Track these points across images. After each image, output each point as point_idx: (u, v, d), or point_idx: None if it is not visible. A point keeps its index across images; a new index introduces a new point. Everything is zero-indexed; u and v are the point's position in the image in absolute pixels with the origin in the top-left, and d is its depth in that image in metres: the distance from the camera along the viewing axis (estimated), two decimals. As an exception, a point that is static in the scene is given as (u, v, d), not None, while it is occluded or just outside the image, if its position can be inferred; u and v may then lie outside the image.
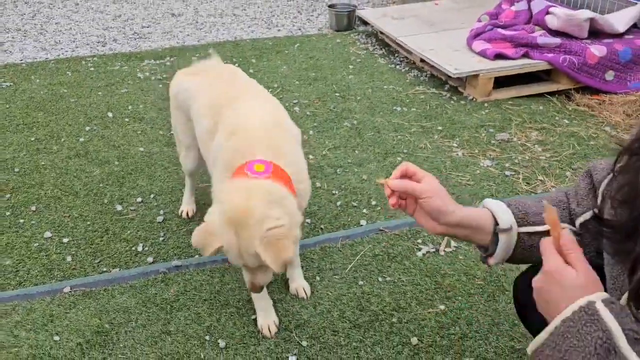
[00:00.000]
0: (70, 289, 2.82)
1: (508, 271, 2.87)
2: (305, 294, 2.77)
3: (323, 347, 2.50)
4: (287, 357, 2.44)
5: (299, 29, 6.75)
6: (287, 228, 1.98)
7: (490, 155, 3.96)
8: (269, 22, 7.01)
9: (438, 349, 2.46)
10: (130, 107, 4.80)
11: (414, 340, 2.50)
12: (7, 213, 3.43)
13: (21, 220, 3.36)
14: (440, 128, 4.33)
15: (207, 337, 2.53)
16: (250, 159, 2.15)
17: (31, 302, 2.74)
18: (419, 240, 3.12)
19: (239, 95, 2.53)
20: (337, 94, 4.94)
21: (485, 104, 4.69)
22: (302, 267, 2.90)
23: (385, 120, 4.46)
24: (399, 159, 3.93)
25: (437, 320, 2.61)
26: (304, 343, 2.52)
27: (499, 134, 4.19)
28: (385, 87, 5.07)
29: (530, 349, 1.19)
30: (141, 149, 4.14)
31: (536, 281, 1.19)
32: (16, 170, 3.87)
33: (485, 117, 4.47)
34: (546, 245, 1.19)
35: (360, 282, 2.85)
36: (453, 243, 3.09)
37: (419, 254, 3.02)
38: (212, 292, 2.79)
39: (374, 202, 3.47)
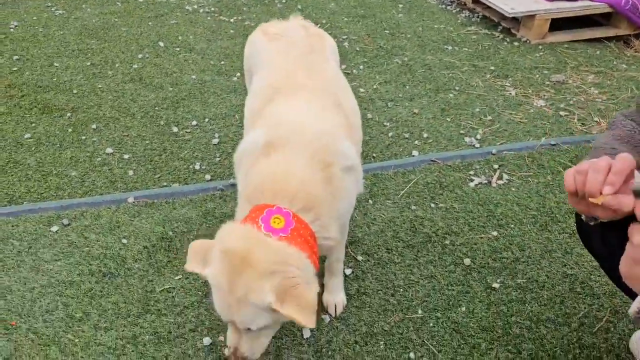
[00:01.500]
0: (134, 199, 2.95)
1: (561, 204, 2.89)
2: (335, 311, 2.33)
3: (377, 263, 2.58)
4: (344, 269, 2.53)
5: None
6: (301, 278, 1.60)
7: (544, 95, 3.90)
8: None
9: (490, 270, 2.52)
10: (180, 38, 4.84)
11: (467, 261, 2.56)
12: (70, 130, 3.55)
13: (83, 137, 3.48)
14: (492, 68, 4.26)
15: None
16: (272, 201, 1.72)
17: (98, 210, 2.88)
18: (471, 172, 3.15)
19: (300, 86, 2.08)
20: (386, 32, 4.88)
21: (540, 47, 4.59)
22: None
23: (436, 59, 4.41)
24: (450, 95, 3.91)
25: (489, 244, 2.66)
26: (359, 258, 2.60)
27: (553, 76, 4.11)
28: (435, 26, 4.98)
29: (631, 311, 1.20)
30: (193, 76, 4.20)
31: (624, 264, 1.18)
32: (74, 92, 3.98)
33: (539, 60, 4.38)
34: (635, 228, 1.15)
35: (413, 207, 2.90)
36: (505, 176, 3.11)
37: (471, 184, 3.05)
38: (269, 209, 2.89)
39: (425, 135, 3.49)
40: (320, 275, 2.51)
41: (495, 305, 2.35)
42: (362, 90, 3.97)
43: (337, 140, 1.91)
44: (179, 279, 2.49)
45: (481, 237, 2.70)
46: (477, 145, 3.38)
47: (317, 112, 1.98)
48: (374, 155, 3.33)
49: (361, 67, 4.30)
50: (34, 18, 5.12)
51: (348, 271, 2.53)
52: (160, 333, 2.24)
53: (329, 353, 2.18)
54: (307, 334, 2.25)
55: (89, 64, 4.37)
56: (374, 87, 4.03)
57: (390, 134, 3.50)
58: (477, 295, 2.40)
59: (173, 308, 2.35)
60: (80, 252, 2.61)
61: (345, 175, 1.89)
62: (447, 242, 2.68)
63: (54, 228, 2.75)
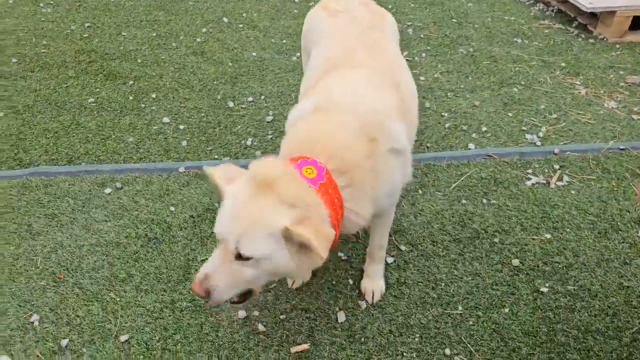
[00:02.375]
0: (185, 169, 2.99)
1: (625, 212, 2.71)
2: (373, 298, 2.28)
3: (421, 254, 2.51)
4: (385, 258, 2.47)
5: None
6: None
7: (617, 97, 3.66)
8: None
9: (539, 274, 2.40)
10: (244, 15, 4.86)
11: (515, 261, 2.45)
12: (130, 97, 3.65)
13: (142, 105, 3.57)
14: (563, 64, 4.04)
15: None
16: (309, 154, 1.70)
17: (150, 176, 2.95)
18: (529, 170, 3.00)
19: (359, 63, 2.02)
20: (453, 20, 4.72)
21: (617, 45, 4.31)
22: (406, 178, 2.88)
23: (503, 51, 4.22)
24: (515, 89, 3.74)
25: (541, 247, 2.53)
26: (403, 247, 2.54)
27: (629, 77, 3.85)
28: (506, 17, 4.77)
29: None
30: (254, 53, 4.21)
31: None
32: (139, 61, 4.08)
33: (615, 59, 4.12)
34: None
35: (464, 201, 2.80)
36: (566, 177, 2.94)
37: (528, 183, 2.91)
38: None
39: (484, 128, 3.35)
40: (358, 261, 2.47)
41: (541, 310, 2.24)
42: (422, 78, 3.86)
43: (389, 120, 1.85)
44: (221, 250, 2.51)
45: (533, 239, 2.57)
46: (539, 143, 3.22)
47: (373, 89, 1.92)
48: (428, 145, 3.24)
49: (423, 54, 4.18)
50: (108, -12, 5.28)
51: (390, 260, 2.47)
52: (198, 301, 2.27)
53: (362, 339, 2.14)
54: (341, 317, 2.23)
55: (154, 35, 4.46)
56: (435, 76, 3.91)
57: (447, 125, 3.39)
58: (523, 298, 2.29)
59: (212, 278, 2.38)
60: (129, 215, 2.68)
61: (391, 157, 1.83)
62: (496, 240, 2.57)
63: (107, 190, 2.84)
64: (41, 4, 4.91)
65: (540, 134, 3.29)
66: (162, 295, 2.30)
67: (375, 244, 2.26)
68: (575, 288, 2.33)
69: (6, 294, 2.30)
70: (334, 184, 1.67)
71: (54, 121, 3.40)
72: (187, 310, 2.24)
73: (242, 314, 2.23)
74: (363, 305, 2.28)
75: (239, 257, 1.53)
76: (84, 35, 4.41)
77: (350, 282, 2.39)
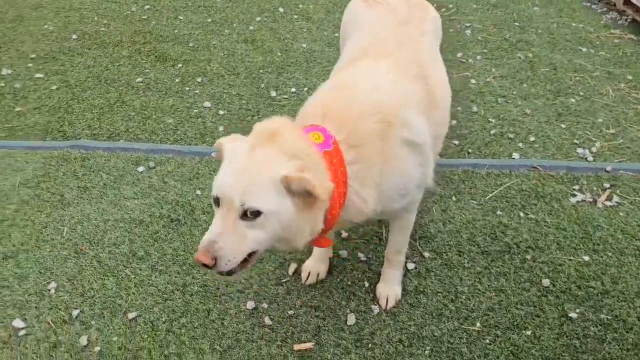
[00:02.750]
0: (217, 154, 2.99)
1: (678, 241, 2.47)
2: (387, 304, 2.17)
3: (445, 263, 2.39)
4: (406, 263, 2.37)
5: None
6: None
7: (686, 116, 3.36)
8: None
9: (571, 298, 2.22)
10: (300, 6, 4.83)
11: (546, 282, 2.28)
12: (177, 80, 3.70)
13: (187, 88, 3.61)
14: (629, 77, 3.75)
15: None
16: (319, 123, 1.66)
17: (183, 158, 2.97)
18: (576, 187, 2.80)
19: (386, 54, 1.94)
20: (515, 24, 4.49)
21: (696, 61, 3.96)
22: (439, 184, 2.76)
23: (565, 59, 3.97)
24: (572, 100, 3.50)
25: (577, 269, 2.34)
26: (426, 254, 2.43)
27: None
28: (573, 24, 4.49)
29: None
30: (304, 45, 4.17)
31: None
32: (190, 45, 4.14)
33: (691, 75, 3.78)
34: None
35: (499, 213, 2.65)
36: (615, 197, 2.72)
37: (572, 200, 2.71)
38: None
39: (532, 138, 3.16)
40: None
41: (567, 336, 2.07)
42: (473, 81, 3.69)
43: (405, 109, 1.77)
44: (240, 238, 2.49)
45: (569, 259, 2.39)
46: (590, 158, 3.00)
47: (395, 79, 1.84)
48: (470, 150, 3.09)
49: (478, 57, 4.00)
50: (172, -27, 5.38)
51: (411, 266, 2.37)
52: (209, 287, 2.26)
53: (369, 345, 2.06)
54: (351, 320, 2.15)
55: (209, 20, 4.51)
56: (487, 80, 3.73)
57: (492, 132, 3.22)
58: (548, 322, 2.13)
59: (227, 265, 2.36)
60: (157, 194, 2.71)
61: (404, 147, 1.74)
62: (528, 257, 2.41)
63: (140, 168, 2.88)
64: (107, -15, 5.08)
65: (594, 149, 3.06)
66: (176, 277, 2.30)
67: (392, 248, 2.16)
68: (609, 317, 2.14)
69: (30, 260, 2.38)
70: (340, 154, 1.61)
71: (101, 97, 3.50)
72: (197, 295, 2.23)
73: (250, 304, 2.19)
74: (375, 310, 2.19)
75: (244, 215, 1.46)
76: (143, 17, 4.52)
77: (366, 284, 2.30)
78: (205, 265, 1.46)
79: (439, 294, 2.26)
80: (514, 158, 3.03)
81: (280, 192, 1.47)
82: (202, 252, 1.45)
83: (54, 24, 4.38)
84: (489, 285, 2.29)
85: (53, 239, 2.48)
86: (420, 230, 2.54)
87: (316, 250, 2.32)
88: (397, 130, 1.70)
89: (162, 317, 2.14)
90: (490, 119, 3.33)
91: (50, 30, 4.27)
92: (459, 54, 4.01)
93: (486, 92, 3.60)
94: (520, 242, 2.49)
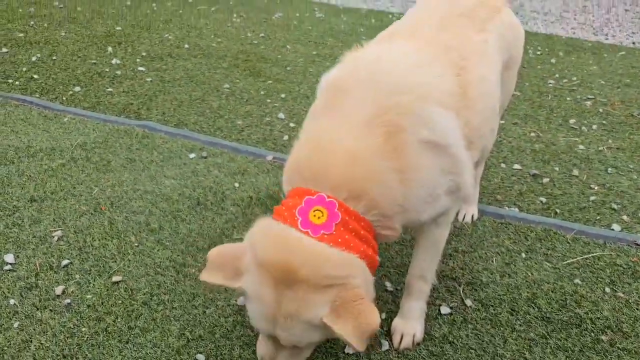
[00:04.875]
0: (273, 158, 2.81)
1: None
2: (400, 343, 1.77)
3: (490, 318, 1.91)
4: (440, 305, 1.93)
5: (633, 42, 5.68)
6: (362, 288, 1.31)
7: None
8: (598, 29, 6.10)
9: (654, 401, 1.62)
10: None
11: (621, 371, 1.71)
12: (262, 92, 3.66)
13: (268, 100, 3.54)
14: None
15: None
16: (314, 186, 1.35)
17: (236, 155, 2.82)
18: (690, 276, 2.17)
19: (418, 35, 1.64)
20: (649, 104, 3.93)
21: None
22: (510, 237, 2.31)
23: None
24: None
25: (671, 369, 1.74)
26: (469, 303, 1.96)
27: None
28: None
29: None
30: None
31: None
32: (287, 68, 4.14)
33: None
34: None
35: (577, 281, 2.11)
36: None
37: (682, 289, 2.10)
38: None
39: (642, 214, 2.58)
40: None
41: None
42: (581, 147, 3.20)
43: (423, 103, 1.40)
44: (261, 236, 2.23)
45: (662, 356, 1.79)
46: None
47: (418, 61, 1.50)
48: (558, 211, 2.58)
49: (594, 126, 3.49)
50: (297, 14, 5.59)
51: (445, 309, 1.92)
52: (207, 273, 1.99)
53: (362, 382, 1.63)
54: (350, 349, 1.74)
55: (314, 52, 4.52)
56: (599, 148, 3.21)
57: (592, 198, 2.69)
58: (612, 420, 1.55)
59: (235, 258, 2.09)
60: (195, 179, 2.56)
61: (423, 151, 1.38)
62: (604, 338, 1.84)
63: (192, 155, 2.78)
64: (234, 15, 5.37)
65: None
66: (177, 255, 2.08)
67: (415, 271, 1.75)
68: None
69: (51, 207, 2.30)
70: (353, 214, 1.33)
71: (186, 94, 3.54)
72: (190, 278, 1.97)
73: (242, 300, 1.88)
74: (385, 345, 1.77)
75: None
76: (254, 42, 4.66)
77: (383, 315, 1.89)
78: None
79: (471, 350, 1.78)
80: (612, 229, 2.47)
81: (322, 327, 1.30)
82: None
83: (174, 34, 4.65)
84: (541, 357, 1.76)
85: (81, 195, 2.40)
86: (469, 275, 2.08)
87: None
88: (410, 132, 1.36)
89: (144, 289, 1.90)
90: (592, 186, 2.81)
91: (168, 39, 4.53)
92: (572, 121, 3.54)
93: (595, 159, 3.08)
94: (598, 319, 1.93)
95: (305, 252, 1.27)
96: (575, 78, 4.39)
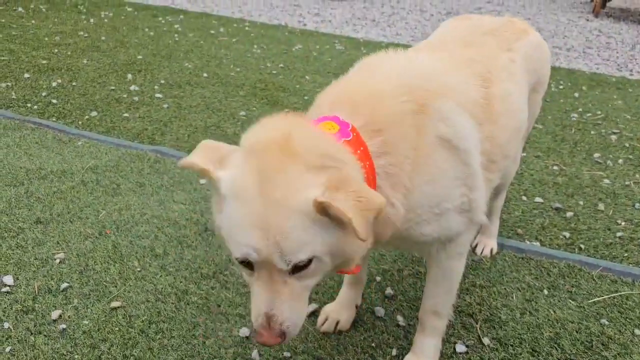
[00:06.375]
0: (285, 186, 2.74)
1: None
2: None
3: (509, 357, 1.77)
4: (455, 343, 1.80)
5: (659, 78, 5.56)
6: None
7: None
8: (622, 65, 5.99)
9: None
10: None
11: (655, 423, 1.55)
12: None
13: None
14: None
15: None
16: (327, 113, 1.28)
17: (248, 182, 2.76)
18: None
19: (443, 48, 1.64)
20: (678, 140, 3.78)
21: None
22: (531, 273, 2.18)
23: None
24: None
25: None
26: (486, 341, 1.83)
27: None
28: None
29: None
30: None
31: None
32: (305, 97, 4.11)
33: None
34: None
35: (604, 321, 1.97)
36: None
37: None
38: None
39: (674, 253, 2.43)
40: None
41: None
42: (606, 181, 3.07)
43: (446, 101, 1.34)
44: (268, 265, 2.14)
45: (701, 407, 1.63)
46: None
47: (442, 68, 1.45)
48: (582, 246, 2.45)
49: (620, 161, 3.36)
50: (317, 46, 5.61)
51: (461, 348, 1.80)
52: (209, 302, 1.91)
53: None
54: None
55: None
56: (626, 183, 3.07)
57: (618, 234, 2.55)
58: None
59: (239, 288, 2.00)
60: (204, 204, 2.50)
61: (440, 149, 1.30)
62: (635, 384, 1.69)
63: (203, 181, 2.73)
64: (255, 46, 5.41)
65: None
66: (180, 282, 2.00)
67: (428, 306, 1.63)
68: None
69: (56, 230, 2.26)
70: (363, 144, 1.20)
71: (201, 120, 3.52)
72: (192, 305, 1.89)
73: (244, 332, 1.78)
74: (394, 384, 1.65)
75: (295, 270, 1.10)
76: (273, 72, 4.66)
77: (394, 352, 1.77)
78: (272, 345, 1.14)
79: (489, 393, 1.65)
80: (641, 267, 2.32)
81: (320, 222, 1.07)
82: (266, 333, 1.11)
83: (193, 63, 4.69)
84: (564, 403, 1.62)
85: (87, 218, 2.35)
86: (487, 311, 1.96)
87: (342, 294, 1.87)
88: (431, 121, 1.28)
89: (143, 316, 1.82)
90: (619, 221, 2.67)
91: (187, 68, 4.57)
92: (597, 154, 3.42)
93: (621, 194, 2.94)
94: (627, 362, 1.78)
95: (302, 129, 1.16)
96: (599, 112, 4.27)
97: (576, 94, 4.69)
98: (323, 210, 1.04)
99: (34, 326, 1.76)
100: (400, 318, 1.92)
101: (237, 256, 1.10)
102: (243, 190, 1.08)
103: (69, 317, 1.81)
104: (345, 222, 1.03)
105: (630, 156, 3.47)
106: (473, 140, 1.37)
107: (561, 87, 4.92)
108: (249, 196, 1.07)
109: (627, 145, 3.65)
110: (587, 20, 7.99)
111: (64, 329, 1.75)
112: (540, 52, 1.91)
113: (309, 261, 1.08)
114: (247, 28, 6.01)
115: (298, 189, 1.06)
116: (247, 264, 1.11)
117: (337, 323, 1.82)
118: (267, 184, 1.06)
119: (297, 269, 1.09)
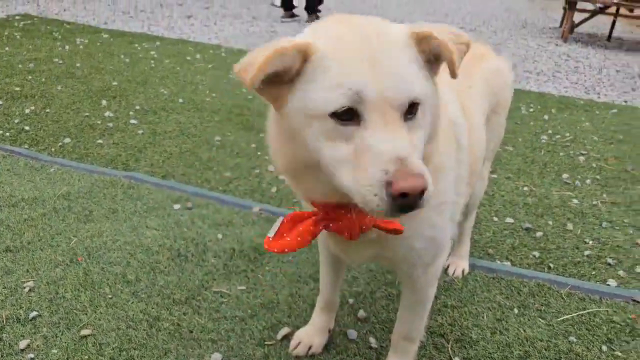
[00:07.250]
0: (259, 210, 2.75)
1: None
2: None
3: (479, 378, 1.79)
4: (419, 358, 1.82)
5: (624, 101, 5.74)
6: None
7: None
8: (590, 88, 6.18)
9: None
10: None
11: None
12: (253, 145, 3.64)
13: (259, 153, 3.51)
14: None
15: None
16: None
17: (222, 206, 2.76)
18: (692, 335, 2.06)
19: None
20: (643, 160, 3.90)
21: None
22: (502, 292, 2.22)
23: (702, 202, 3.27)
24: (702, 241, 2.78)
25: None
26: (456, 361, 1.85)
27: None
28: None
29: None
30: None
31: None
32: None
33: None
34: None
35: (572, 339, 2.00)
36: None
37: (684, 349, 1.98)
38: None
39: (639, 270, 2.49)
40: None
41: None
42: (575, 201, 3.14)
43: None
44: (241, 289, 2.13)
45: (666, 421, 1.66)
46: None
47: None
48: (551, 265, 2.50)
49: (587, 181, 3.45)
50: (292, 71, 5.68)
51: (432, 369, 1.81)
52: (182, 328, 1.90)
53: None
54: (330, 410, 1.62)
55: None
56: (594, 203, 3.15)
57: (586, 253, 2.61)
58: None
59: (212, 313, 1.99)
60: (178, 230, 2.50)
61: (449, 135, 1.37)
62: (602, 401, 1.72)
63: (176, 206, 2.72)
64: (231, 72, 5.44)
65: None
66: (152, 308, 1.98)
67: (401, 331, 1.65)
68: None
69: (26, 258, 2.23)
70: None
71: (176, 146, 3.52)
72: (164, 332, 1.87)
73: (216, 357, 1.78)
74: (367, 407, 1.65)
75: (407, 114, 1.04)
76: (248, 97, 4.70)
77: (366, 374, 1.78)
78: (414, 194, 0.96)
79: (460, 413, 1.66)
80: (608, 284, 2.38)
81: (418, 62, 1.08)
82: (410, 178, 0.95)
83: (169, 89, 4.71)
84: (534, 422, 1.64)
85: (58, 245, 2.33)
86: (458, 331, 1.98)
87: (315, 318, 1.89)
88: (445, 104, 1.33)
89: (113, 344, 1.80)
90: (587, 240, 2.73)
91: (163, 94, 4.58)
92: (565, 175, 3.51)
93: (589, 214, 3.02)
94: (595, 380, 1.81)
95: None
96: (568, 134, 4.39)
97: (546, 117, 4.82)
98: (424, 42, 1.09)
99: (1, 356, 1.73)
100: (372, 340, 1.93)
101: (344, 103, 1.00)
102: (340, 40, 1.06)
103: (37, 346, 1.78)
104: (439, 63, 1.12)
105: (598, 176, 3.57)
106: (466, 139, 1.44)
107: (531, 110, 5.05)
108: (350, 40, 1.05)
109: (594, 165, 3.76)
110: (556, 45, 8.25)
111: (32, 359, 1.72)
112: (498, 76, 1.96)
113: (416, 106, 1.05)
114: (223, 54, 6.06)
115: (400, 29, 1.11)
116: (348, 117, 1.01)
117: (310, 347, 1.83)
118: (370, 33, 1.07)
119: (408, 112, 1.04)
